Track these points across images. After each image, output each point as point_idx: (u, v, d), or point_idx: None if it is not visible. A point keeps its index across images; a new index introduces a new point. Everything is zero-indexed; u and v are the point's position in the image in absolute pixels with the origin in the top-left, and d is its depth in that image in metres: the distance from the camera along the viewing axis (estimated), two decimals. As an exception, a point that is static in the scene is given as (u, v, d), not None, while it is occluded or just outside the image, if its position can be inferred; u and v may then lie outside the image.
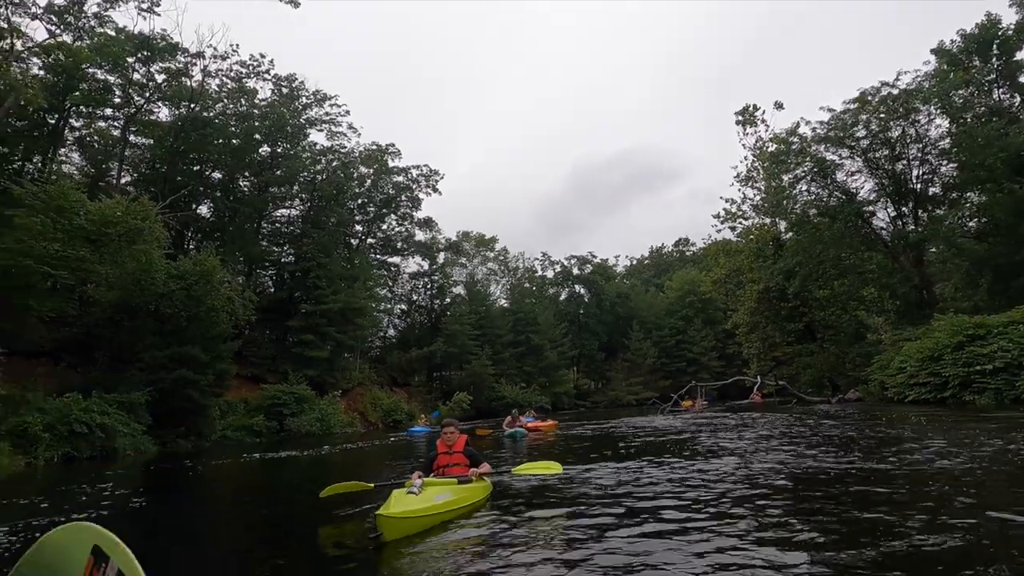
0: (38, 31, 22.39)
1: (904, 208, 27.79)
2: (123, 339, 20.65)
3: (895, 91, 25.40)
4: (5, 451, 13.97)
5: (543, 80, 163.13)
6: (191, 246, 31.14)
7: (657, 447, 10.38)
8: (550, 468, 6.52)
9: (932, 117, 25.33)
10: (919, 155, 26.34)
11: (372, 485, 5.97)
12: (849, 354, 29.07)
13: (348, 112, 37.41)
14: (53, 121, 25.66)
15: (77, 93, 25.57)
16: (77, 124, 28.13)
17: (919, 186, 27.06)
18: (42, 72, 23.47)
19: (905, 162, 26.88)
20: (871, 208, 28.06)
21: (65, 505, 7.37)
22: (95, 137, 29.00)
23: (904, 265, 26.08)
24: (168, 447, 19.52)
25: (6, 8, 19.53)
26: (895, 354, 20.29)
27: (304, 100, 36.01)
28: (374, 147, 41.05)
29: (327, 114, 36.90)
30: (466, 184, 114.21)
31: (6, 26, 19.25)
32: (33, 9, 22.26)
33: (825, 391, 29.26)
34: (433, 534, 4.46)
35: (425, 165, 43.53)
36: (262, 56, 33.20)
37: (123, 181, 29.28)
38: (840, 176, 28.01)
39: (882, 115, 25.70)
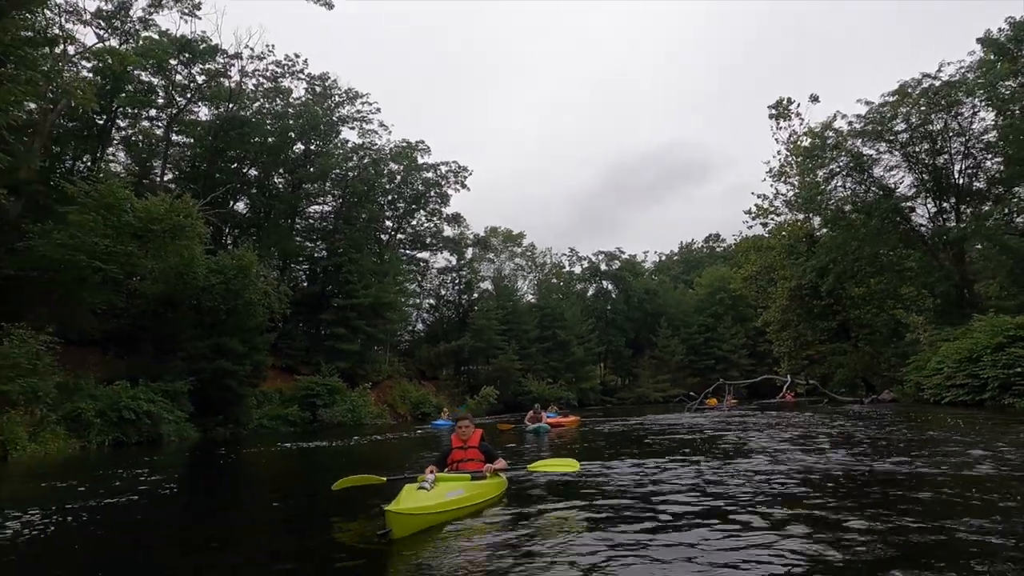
0: (87, 36, 23.40)
1: (945, 204, 26.90)
2: (166, 330, 21.61)
3: (937, 83, 24.56)
4: (61, 435, 14.86)
5: (574, 75, 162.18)
6: (228, 241, 32.27)
7: (681, 445, 10.29)
8: (567, 466, 6.31)
9: (976, 109, 24.42)
10: (962, 149, 25.43)
11: (384, 479, 5.78)
12: (884, 354, 28.36)
13: (379, 110, 38.10)
14: (101, 122, 26.88)
15: (124, 95, 26.76)
16: (123, 124, 29.43)
17: (962, 181, 26.14)
18: (91, 75, 24.62)
19: (947, 156, 26.00)
20: (910, 204, 27.24)
21: (100, 488, 7.72)
22: (140, 137, 30.30)
23: (944, 263, 25.28)
24: (208, 434, 20.40)
25: (59, 15, 20.53)
26: (932, 354, 19.76)
27: (336, 98, 36.78)
28: (404, 144, 41.63)
29: (358, 112, 37.61)
30: (496, 178, 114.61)
31: (60, 32, 20.20)
32: (84, 16, 23.26)
33: (859, 391, 28.62)
34: (444, 531, 4.33)
35: (454, 161, 43.97)
36: (296, 56, 34.09)
37: (166, 179, 30.52)
38: (877, 171, 27.28)
39: (923, 108, 24.88)
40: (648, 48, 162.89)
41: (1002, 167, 25.02)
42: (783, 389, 30.95)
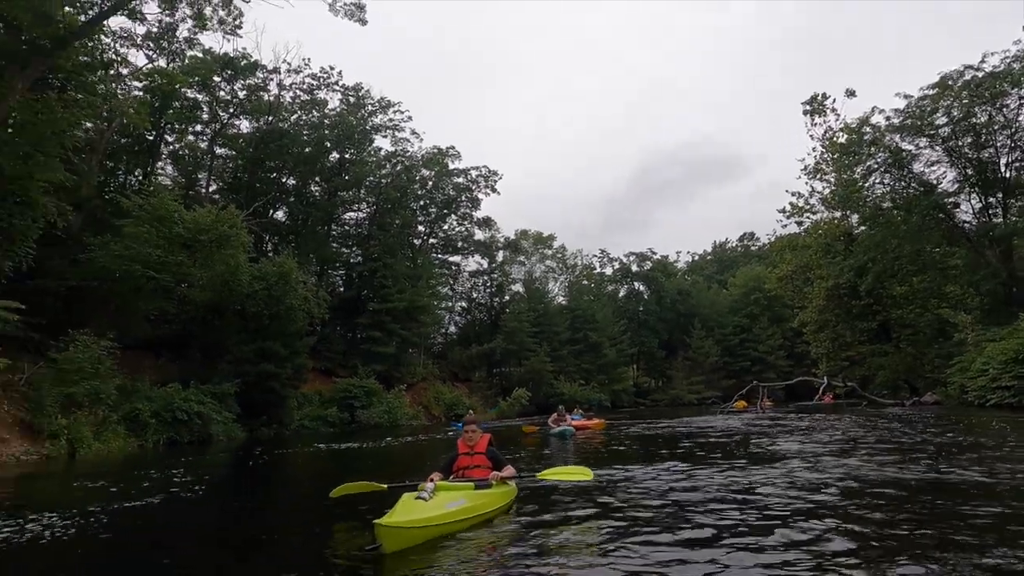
0: (137, 57, 24.86)
1: (992, 199, 25.94)
2: (213, 335, 22.72)
3: (980, 74, 23.74)
4: (121, 434, 15.89)
5: (603, 73, 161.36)
6: (268, 249, 33.56)
7: (712, 449, 10.07)
8: (580, 474, 5.83)
9: (1023, 101, 23.50)
10: (1008, 142, 24.50)
11: (386, 486, 5.47)
12: (928, 354, 27.49)
13: (411, 118, 38.97)
14: (151, 137, 28.41)
15: (171, 111, 28.24)
16: (170, 139, 31.00)
17: (1009, 175, 25.17)
18: (141, 93, 26.06)
19: (992, 150, 25.07)
20: (954, 200, 26.36)
21: (150, 487, 8.01)
22: (186, 150, 31.87)
23: (990, 260, 24.39)
24: (254, 434, 21.35)
25: (113, 40, 21.86)
26: (977, 355, 19.15)
27: (369, 107, 37.81)
28: (435, 150, 42.44)
29: (391, 120, 38.56)
30: (526, 181, 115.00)
31: (114, 56, 21.51)
32: (135, 39, 24.63)
33: (901, 393, 27.79)
34: (442, 545, 4.03)
35: (484, 166, 44.59)
36: (331, 68, 35.22)
37: (210, 189, 32.01)
38: (917, 167, 26.49)
39: (965, 100, 24.08)
40: (677, 44, 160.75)
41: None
42: (820, 391, 30.30)
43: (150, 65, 26.56)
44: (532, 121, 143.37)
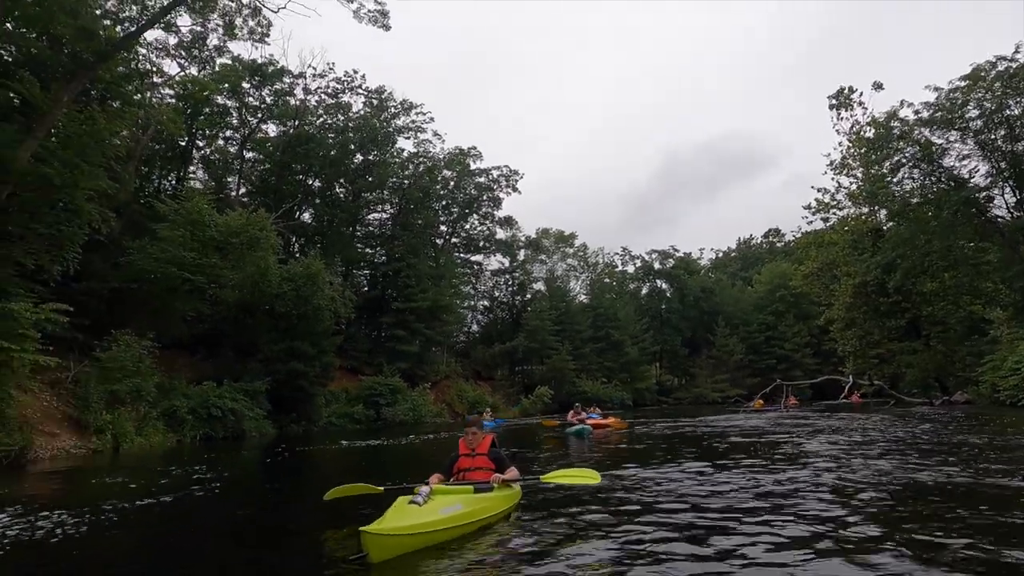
0: (170, 65, 25.81)
1: (1026, 193, 25.21)
2: (245, 334, 23.47)
3: (1014, 65, 23.11)
4: (161, 430, 16.62)
5: (626, 68, 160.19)
6: (295, 249, 34.41)
7: (730, 451, 9.87)
8: (586, 477, 5.52)
9: (1059, 90, 22.81)
10: (1044, 134, 23.81)
11: (382, 488, 5.23)
12: (959, 352, 26.88)
13: (432, 119, 39.46)
14: (183, 143, 29.40)
15: (202, 117, 29.20)
16: (201, 144, 32.01)
17: (1046, 168, 24.44)
18: (173, 100, 26.99)
19: (1027, 142, 24.37)
20: (986, 194, 25.70)
21: (153, 487, 7.80)
22: (216, 155, 32.88)
23: (1024, 256, 23.76)
24: (284, 431, 22.02)
25: (149, 51, 22.74)
26: (1009, 353, 18.74)
27: (392, 110, 38.42)
28: (456, 150, 42.89)
29: (413, 122, 39.13)
30: (549, 178, 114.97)
31: (150, 66, 22.38)
32: (168, 49, 25.53)
33: (932, 392, 27.26)
34: (434, 553, 3.82)
35: (505, 166, 44.93)
36: (355, 71, 35.91)
37: (240, 193, 32.96)
38: (948, 161, 25.88)
39: (999, 92, 23.47)
40: (702, 39, 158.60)
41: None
42: (846, 390, 29.86)
43: (182, 73, 27.54)
44: (552, 120, 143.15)
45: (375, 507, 4.17)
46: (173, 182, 29.20)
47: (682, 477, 6.81)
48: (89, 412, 14.71)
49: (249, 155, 33.96)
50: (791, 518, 4.42)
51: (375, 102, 37.14)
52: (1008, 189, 25.54)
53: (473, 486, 4.93)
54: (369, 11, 19.99)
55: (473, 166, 43.59)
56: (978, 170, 25.88)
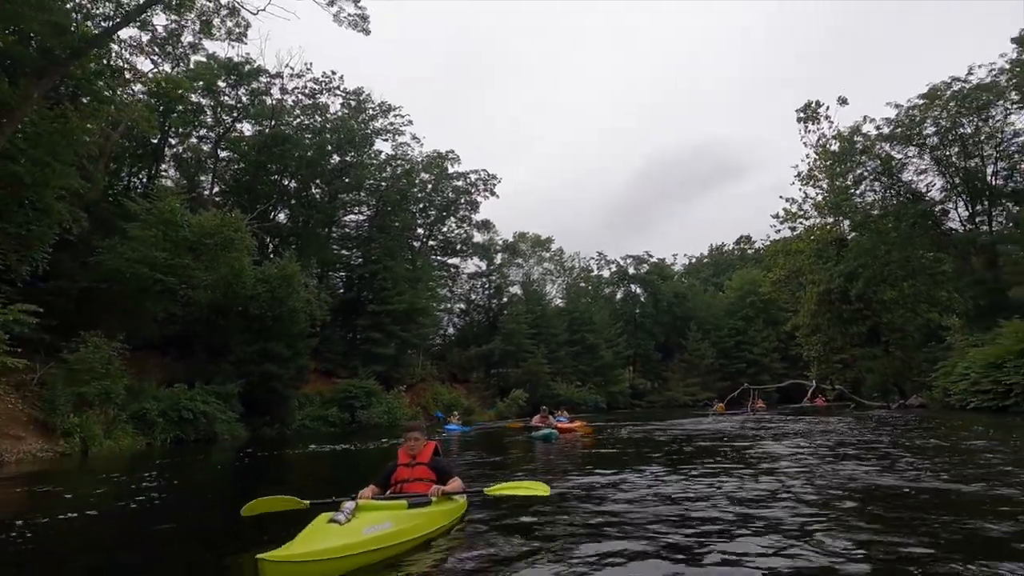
0: (142, 62, 25.35)
1: (978, 207, 26.60)
2: (217, 336, 23.19)
3: (967, 86, 24.40)
4: (130, 432, 16.39)
5: (607, 76, 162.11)
6: (270, 250, 34.02)
7: (695, 455, 9.87)
8: (534, 489, 5.03)
9: (1009, 112, 24.17)
10: (994, 152, 25.18)
11: (307, 503, 4.69)
12: (915, 358, 28.14)
13: (411, 122, 39.51)
14: (155, 141, 28.88)
15: (175, 115, 28.73)
16: (174, 142, 31.47)
17: (995, 184, 25.84)
18: (145, 96, 26.50)
19: (979, 159, 25.74)
20: (941, 207, 27.03)
21: (111, 492, 7.74)
22: (189, 154, 32.34)
23: (976, 267, 25.04)
24: (256, 433, 21.83)
25: (122, 48, 22.33)
26: (960, 360, 19.77)
27: (370, 111, 38.35)
28: (434, 153, 43.01)
29: (392, 124, 39.10)
30: (529, 181, 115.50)
31: (122, 63, 22.00)
32: (142, 45, 25.08)
33: (890, 396, 28.44)
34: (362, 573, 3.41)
35: (483, 170, 45.23)
36: (333, 72, 35.77)
37: (213, 192, 32.48)
38: (907, 175, 27.18)
39: (953, 111, 24.75)
40: (679, 47, 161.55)
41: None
42: (809, 393, 30.92)
43: (155, 70, 27.08)
44: (531, 123, 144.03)
45: (302, 524, 3.67)
46: (144, 180, 28.68)
47: (644, 483, 6.56)
48: (56, 415, 14.45)
49: (223, 154, 33.52)
50: (749, 524, 4.28)
51: (353, 103, 37.05)
52: (961, 203, 26.91)
53: (408, 500, 4.39)
54: (349, 15, 20.12)
55: (451, 169, 43.79)
56: (934, 184, 27.26)
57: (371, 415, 28.09)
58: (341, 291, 38.40)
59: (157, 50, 27.96)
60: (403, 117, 39.14)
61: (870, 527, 4.17)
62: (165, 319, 21.77)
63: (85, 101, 17.92)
